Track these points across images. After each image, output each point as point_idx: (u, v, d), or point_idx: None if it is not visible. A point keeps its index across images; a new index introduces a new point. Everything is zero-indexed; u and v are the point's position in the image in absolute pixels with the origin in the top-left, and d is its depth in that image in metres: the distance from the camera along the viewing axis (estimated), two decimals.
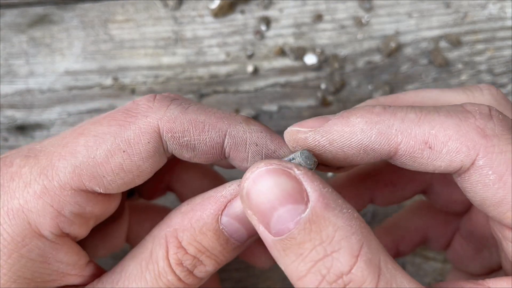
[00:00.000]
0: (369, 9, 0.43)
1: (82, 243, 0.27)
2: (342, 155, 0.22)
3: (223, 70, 0.43)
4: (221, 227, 0.24)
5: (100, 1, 0.44)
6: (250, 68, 0.43)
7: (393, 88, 0.43)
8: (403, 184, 0.31)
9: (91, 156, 0.23)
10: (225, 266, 0.40)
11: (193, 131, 0.24)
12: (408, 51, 0.43)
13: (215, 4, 0.43)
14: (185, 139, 0.24)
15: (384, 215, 0.41)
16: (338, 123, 0.22)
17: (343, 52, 0.43)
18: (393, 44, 0.43)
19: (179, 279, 0.24)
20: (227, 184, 0.24)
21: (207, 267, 0.24)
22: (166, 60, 0.43)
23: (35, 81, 0.43)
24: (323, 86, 0.43)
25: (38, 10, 0.44)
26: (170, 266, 0.24)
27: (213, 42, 0.43)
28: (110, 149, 0.23)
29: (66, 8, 0.44)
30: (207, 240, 0.24)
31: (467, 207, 0.31)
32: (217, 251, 0.24)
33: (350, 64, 0.43)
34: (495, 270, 0.30)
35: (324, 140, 0.22)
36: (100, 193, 0.24)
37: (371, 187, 0.31)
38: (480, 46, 0.43)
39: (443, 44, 0.43)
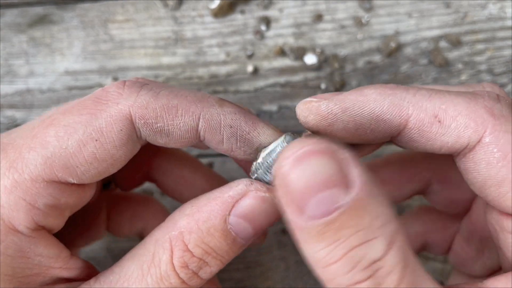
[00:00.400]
0: (369, 9, 0.43)
1: (60, 235, 0.27)
2: (353, 126, 0.23)
3: (223, 70, 0.43)
4: (228, 227, 0.24)
5: (100, 1, 0.44)
6: (250, 68, 0.43)
7: None
8: (402, 183, 0.31)
9: (62, 146, 0.23)
10: (225, 266, 0.41)
11: (166, 116, 0.24)
12: (408, 51, 0.43)
13: (215, 4, 0.43)
14: (158, 125, 0.24)
15: None
16: (353, 93, 0.23)
17: (343, 52, 0.43)
18: (393, 44, 0.43)
19: (183, 281, 0.24)
20: (233, 184, 0.24)
21: (212, 268, 0.25)
22: (166, 60, 0.43)
23: (35, 81, 0.43)
24: (323, 86, 0.43)
25: (38, 10, 0.44)
26: (174, 269, 0.24)
27: (213, 42, 0.43)
28: (82, 138, 0.23)
29: (66, 8, 0.44)
30: (214, 241, 0.24)
31: (466, 207, 0.30)
32: (224, 251, 0.24)
33: (350, 64, 0.43)
34: (497, 271, 0.30)
35: (338, 108, 0.23)
36: (74, 184, 0.24)
37: None
38: (480, 46, 0.43)
39: (443, 44, 0.43)
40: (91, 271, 0.27)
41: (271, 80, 0.43)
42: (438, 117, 0.22)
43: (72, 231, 0.30)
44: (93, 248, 0.40)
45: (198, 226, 0.24)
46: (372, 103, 0.22)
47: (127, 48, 0.43)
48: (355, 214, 0.18)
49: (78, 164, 0.23)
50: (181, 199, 0.33)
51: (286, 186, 0.18)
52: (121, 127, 0.23)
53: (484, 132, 0.21)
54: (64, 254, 0.25)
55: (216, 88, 0.43)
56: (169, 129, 0.24)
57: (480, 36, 0.43)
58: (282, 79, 0.43)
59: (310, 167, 0.18)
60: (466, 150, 0.22)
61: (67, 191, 0.24)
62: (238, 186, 0.24)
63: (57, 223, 0.25)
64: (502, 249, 0.23)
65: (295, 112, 0.42)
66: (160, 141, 0.25)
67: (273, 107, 0.42)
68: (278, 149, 0.24)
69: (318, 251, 0.18)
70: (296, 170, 0.18)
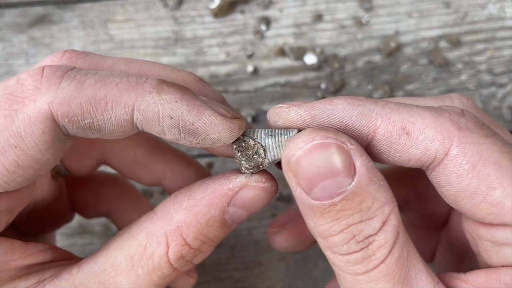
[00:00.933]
0: (369, 9, 0.43)
1: (20, 224, 0.26)
2: None
3: (223, 70, 0.43)
4: (226, 217, 0.24)
5: (100, 1, 0.44)
6: (250, 68, 0.43)
7: (393, 88, 0.43)
8: None
9: None
10: (225, 266, 0.41)
11: (94, 111, 0.21)
12: (408, 51, 0.43)
13: (215, 4, 0.43)
14: (86, 121, 0.21)
15: None
16: (322, 102, 0.22)
17: (343, 52, 0.43)
18: (393, 44, 0.43)
19: (175, 269, 0.24)
20: (232, 176, 0.24)
21: (205, 253, 0.25)
22: (166, 60, 0.43)
23: None
24: (323, 86, 0.43)
25: (38, 10, 0.44)
26: (168, 261, 0.24)
27: (213, 42, 0.43)
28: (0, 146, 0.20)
29: (66, 8, 0.44)
30: (212, 231, 0.24)
31: (444, 220, 0.31)
32: (219, 237, 0.25)
33: (350, 64, 0.43)
34: None
35: (307, 114, 0.22)
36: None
37: None
38: (480, 46, 0.43)
39: (443, 44, 0.43)
40: (58, 251, 0.26)
41: (271, 80, 0.43)
42: (406, 129, 0.22)
43: (34, 218, 0.30)
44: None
45: (197, 219, 0.23)
46: (341, 112, 0.22)
47: (127, 48, 0.43)
48: (356, 199, 0.20)
49: None
50: (139, 182, 0.31)
51: (296, 171, 0.20)
52: (43, 129, 0.21)
53: (451, 145, 0.21)
54: (17, 244, 0.24)
55: (216, 88, 0.43)
56: (99, 125, 0.21)
57: (480, 36, 0.43)
58: (282, 79, 0.43)
59: (319, 158, 0.20)
60: (435, 163, 0.22)
61: None
62: (237, 179, 0.24)
63: None
64: (481, 256, 0.24)
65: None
66: (92, 136, 0.22)
67: (273, 107, 0.42)
68: (291, 134, 0.24)
69: (321, 225, 0.21)
70: (307, 159, 0.20)
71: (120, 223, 0.33)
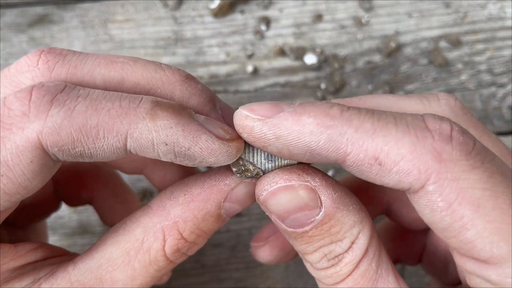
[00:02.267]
0: (369, 9, 0.43)
1: (11, 217, 0.27)
2: (287, 153, 0.21)
3: (223, 70, 0.43)
4: (222, 212, 0.24)
5: (100, 1, 0.44)
6: (250, 68, 0.43)
7: (393, 88, 0.43)
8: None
9: None
10: (225, 266, 0.41)
11: (85, 140, 0.20)
12: (408, 51, 0.43)
13: (215, 4, 0.43)
14: (76, 150, 0.20)
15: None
16: (289, 119, 0.21)
17: (343, 52, 0.43)
18: (393, 44, 0.43)
19: (171, 261, 0.24)
20: (228, 172, 0.24)
21: (199, 246, 0.25)
22: (166, 60, 0.43)
23: None
24: (323, 86, 0.43)
25: (38, 10, 0.44)
26: (164, 255, 0.24)
27: (213, 42, 0.43)
28: None
29: (66, 8, 0.44)
30: (208, 225, 0.24)
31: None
32: (213, 230, 0.25)
33: (350, 64, 0.43)
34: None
35: (271, 134, 0.21)
36: None
37: None
38: (480, 46, 0.43)
39: (443, 44, 0.43)
40: (49, 248, 0.26)
41: (271, 80, 0.43)
42: (378, 160, 0.20)
43: (21, 209, 0.29)
44: None
45: (194, 214, 0.24)
46: (308, 136, 0.20)
47: (127, 48, 0.43)
48: (325, 226, 0.22)
49: None
50: (121, 170, 0.32)
51: (266, 208, 0.23)
52: (31, 159, 0.20)
53: (427, 181, 0.20)
54: (5, 248, 0.24)
55: (216, 88, 0.43)
56: (91, 152, 0.21)
57: (480, 36, 0.43)
58: (282, 79, 0.43)
59: (284, 197, 0.22)
60: (410, 191, 0.21)
61: None
62: (233, 175, 0.24)
63: None
64: (458, 266, 0.24)
65: None
66: (83, 161, 0.22)
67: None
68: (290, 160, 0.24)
69: (297, 245, 0.23)
70: (273, 199, 0.22)
71: (101, 211, 0.34)
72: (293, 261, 0.41)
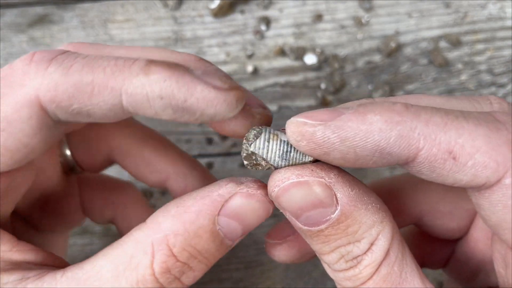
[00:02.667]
0: (369, 9, 0.44)
1: (30, 221, 0.26)
2: (353, 157, 0.20)
3: (223, 70, 0.43)
4: (217, 228, 0.22)
5: (100, 1, 0.44)
6: (250, 68, 0.43)
7: (393, 88, 0.43)
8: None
9: None
10: (225, 266, 0.41)
11: (81, 96, 0.20)
12: (408, 51, 0.43)
13: (215, 4, 0.43)
14: (73, 107, 0.20)
15: None
16: (353, 119, 0.19)
17: (343, 52, 0.43)
18: (393, 44, 0.43)
19: (161, 285, 0.22)
20: (222, 182, 0.22)
21: (195, 273, 0.23)
22: None
23: None
24: (323, 86, 0.43)
25: (38, 10, 0.44)
26: (153, 274, 0.22)
27: (213, 42, 0.43)
28: None
29: (66, 8, 0.44)
30: (202, 243, 0.22)
31: (462, 234, 0.29)
32: (210, 253, 0.23)
33: (350, 64, 0.43)
34: None
35: (335, 137, 0.19)
36: None
37: None
38: (480, 46, 0.43)
39: (443, 44, 0.43)
40: (50, 256, 0.25)
41: (271, 80, 0.43)
42: (453, 154, 0.19)
43: (44, 216, 0.29)
44: None
45: (185, 227, 0.22)
46: (377, 134, 0.19)
47: None
48: (341, 225, 0.21)
49: None
50: (145, 181, 0.31)
51: (279, 205, 0.21)
52: (30, 114, 0.21)
53: (506, 173, 0.19)
54: (7, 236, 0.24)
55: None
56: (88, 110, 0.21)
57: (480, 36, 0.43)
58: (282, 79, 0.43)
59: (297, 194, 0.21)
60: (482, 188, 0.20)
61: None
62: (228, 184, 0.22)
63: None
64: (505, 278, 0.23)
65: (295, 112, 0.42)
66: (84, 121, 0.22)
67: (273, 107, 0.42)
68: (306, 159, 0.22)
69: (314, 245, 0.22)
70: (286, 195, 0.21)
71: (122, 231, 0.33)
72: None
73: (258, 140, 0.22)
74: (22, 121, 0.21)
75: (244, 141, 0.22)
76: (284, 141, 0.22)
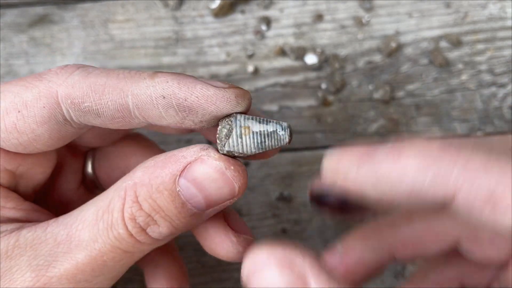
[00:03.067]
0: (369, 9, 0.44)
1: None
2: (388, 198, 0.19)
3: (223, 70, 0.43)
4: (177, 189, 0.23)
5: (100, 1, 0.44)
6: (250, 68, 0.43)
7: (393, 88, 0.43)
8: (427, 244, 0.27)
9: None
10: (226, 266, 0.41)
11: (93, 95, 0.23)
12: (408, 51, 0.43)
13: (215, 4, 0.43)
14: (85, 104, 0.23)
15: None
16: (388, 158, 0.18)
17: (343, 52, 0.43)
18: (393, 44, 0.43)
19: (131, 234, 0.23)
20: (193, 146, 0.23)
21: (160, 228, 0.23)
22: (166, 60, 0.43)
23: None
24: (323, 86, 0.43)
25: (38, 10, 0.44)
26: (123, 219, 0.23)
27: (214, 42, 0.43)
28: (6, 106, 0.24)
29: (66, 8, 0.44)
30: (162, 200, 0.23)
31: (503, 262, 0.27)
32: (172, 213, 0.23)
33: (350, 64, 0.43)
34: None
35: (370, 176, 0.19)
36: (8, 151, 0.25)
37: (390, 244, 0.28)
38: (480, 46, 0.43)
39: (443, 44, 0.43)
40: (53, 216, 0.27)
41: (271, 80, 0.43)
42: (493, 198, 0.17)
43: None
44: None
45: (149, 180, 0.23)
46: (412, 174, 0.18)
47: (128, 48, 0.43)
48: None
49: None
50: None
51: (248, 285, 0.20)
52: (44, 104, 0.23)
53: None
54: (14, 195, 0.26)
55: None
56: (97, 109, 0.23)
57: (481, 36, 0.43)
58: (282, 79, 0.43)
59: (267, 276, 0.19)
60: None
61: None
62: (194, 148, 0.23)
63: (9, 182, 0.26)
64: None
65: (295, 112, 0.42)
66: (94, 122, 0.24)
67: (273, 107, 0.42)
68: (280, 133, 0.22)
69: None
70: (255, 279, 0.19)
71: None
72: None
73: (230, 139, 0.23)
74: (36, 108, 0.23)
75: (218, 141, 0.23)
76: (257, 133, 0.22)
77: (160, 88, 0.22)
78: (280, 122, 0.23)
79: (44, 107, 0.23)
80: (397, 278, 0.40)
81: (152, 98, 0.22)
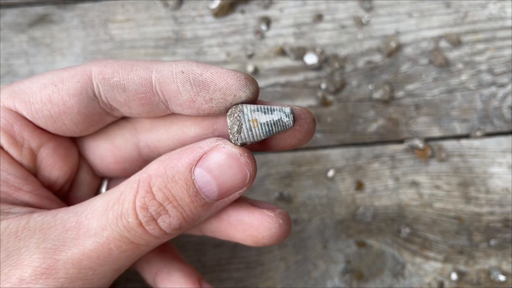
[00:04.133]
0: (369, 9, 0.44)
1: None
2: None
3: None
4: (193, 178, 0.24)
5: (100, 1, 0.44)
6: (250, 68, 0.43)
7: (393, 88, 0.43)
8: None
9: (30, 86, 0.27)
10: (226, 266, 0.41)
11: (122, 71, 0.26)
12: (408, 51, 0.43)
13: (215, 4, 0.43)
14: (114, 79, 0.26)
15: (384, 215, 0.41)
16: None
17: (343, 52, 0.43)
18: (393, 44, 0.43)
19: (140, 224, 0.24)
20: (209, 138, 0.25)
21: (171, 218, 0.24)
22: (166, 60, 0.43)
23: None
24: (323, 86, 0.43)
25: (38, 10, 0.44)
26: (134, 208, 0.24)
27: (213, 42, 0.43)
28: (46, 82, 0.26)
29: (66, 8, 0.44)
30: (177, 189, 0.24)
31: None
32: (185, 202, 0.24)
33: (350, 64, 0.43)
34: None
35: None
36: (34, 125, 0.27)
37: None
38: (480, 46, 0.43)
39: (443, 44, 0.43)
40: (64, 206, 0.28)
41: (271, 80, 0.43)
42: None
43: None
44: None
45: (165, 170, 0.24)
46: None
47: (128, 48, 0.43)
48: None
49: (34, 101, 0.26)
50: None
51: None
52: (79, 79, 0.26)
53: None
54: (33, 178, 0.27)
55: None
56: (124, 83, 0.26)
57: (480, 36, 0.43)
58: (282, 79, 0.43)
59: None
60: None
61: (27, 126, 0.27)
62: (209, 139, 0.25)
63: (19, 156, 0.27)
64: None
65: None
66: (119, 98, 0.26)
67: None
68: (285, 120, 0.24)
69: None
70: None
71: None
72: (293, 262, 0.41)
73: (242, 133, 0.25)
74: (71, 83, 0.26)
75: (230, 136, 0.25)
76: (264, 123, 0.24)
77: (180, 65, 0.25)
78: (283, 108, 0.25)
79: (78, 81, 0.26)
80: (397, 278, 0.40)
81: (173, 72, 0.25)
